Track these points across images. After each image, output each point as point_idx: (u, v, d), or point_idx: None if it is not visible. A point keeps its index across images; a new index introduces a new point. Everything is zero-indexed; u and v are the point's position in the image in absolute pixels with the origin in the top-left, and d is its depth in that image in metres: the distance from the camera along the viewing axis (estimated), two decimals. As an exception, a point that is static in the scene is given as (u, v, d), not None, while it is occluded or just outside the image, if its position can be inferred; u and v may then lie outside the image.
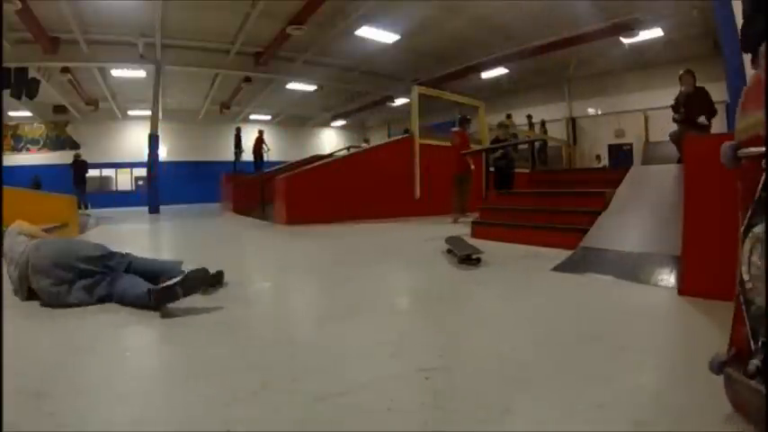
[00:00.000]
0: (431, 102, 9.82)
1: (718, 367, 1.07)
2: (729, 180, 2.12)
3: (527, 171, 7.60)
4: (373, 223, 7.00)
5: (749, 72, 1.97)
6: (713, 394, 1.22)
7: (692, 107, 5.27)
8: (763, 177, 0.97)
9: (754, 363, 0.95)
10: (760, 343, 0.95)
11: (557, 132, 14.22)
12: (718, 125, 5.53)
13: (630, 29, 10.04)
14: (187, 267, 2.38)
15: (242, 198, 11.52)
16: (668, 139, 5.69)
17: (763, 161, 0.97)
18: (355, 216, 7.37)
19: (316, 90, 15.53)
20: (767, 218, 0.95)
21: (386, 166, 8.07)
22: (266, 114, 20.17)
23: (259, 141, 13.92)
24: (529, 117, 12.85)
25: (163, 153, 15.47)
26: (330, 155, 11.63)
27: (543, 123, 14.06)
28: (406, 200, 8.08)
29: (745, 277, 0.99)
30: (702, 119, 5.13)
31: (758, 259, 0.95)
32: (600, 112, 14.24)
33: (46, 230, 4.62)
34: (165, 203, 13.10)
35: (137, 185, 18.39)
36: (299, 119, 20.70)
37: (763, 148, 0.97)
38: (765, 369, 0.93)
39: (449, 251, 3.54)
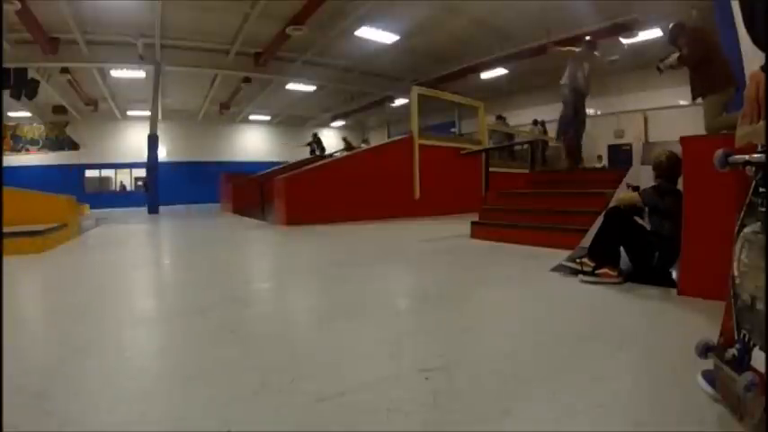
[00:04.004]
0: (430, 102, 9.82)
1: (702, 351, 1.18)
2: (728, 180, 2.12)
3: (526, 171, 7.61)
4: (373, 224, 7.00)
5: (748, 73, 1.96)
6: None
7: None
8: (753, 182, 1.04)
9: (731, 351, 1.05)
10: (742, 334, 1.03)
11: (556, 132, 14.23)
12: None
13: (630, 29, 10.04)
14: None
15: (241, 198, 11.52)
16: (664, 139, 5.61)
17: (748, 168, 1.04)
18: (355, 216, 7.37)
19: (315, 90, 15.54)
20: (765, 222, 0.98)
21: (385, 166, 8.07)
22: (266, 115, 20.18)
23: None
24: (501, 118, 12.89)
25: (162, 153, 15.48)
26: (330, 155, 11.65)
27: (543, 123, 14.06)
28: (406, 200, 8.09)
29: (735, 273, 1.07)
30: None
31: (746, 257, 1.03)
32: (599, 113, 14.25)
33: (44, 230, 4.63)
34: (164, 204, 13.11)
35: (136, 185, 18.43)
36: (298, 119, 20.70)
37: (747, 156, 1.04)
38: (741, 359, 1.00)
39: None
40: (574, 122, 6.02)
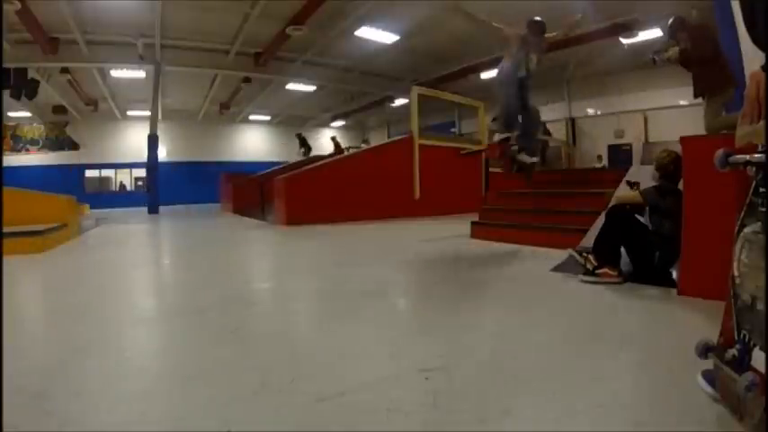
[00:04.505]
0: (430, 102, 9.81)
1: (702, 351, 1.17)
2: (728, 180, 2.12)
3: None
4: (373, 224, 7.00)
5: (748, 73, 1.96)
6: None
7: None
8: (753, 182, 1.04)
9: (732, 351, 1.05)
10: (742, 334, 1.03)
11: (556, 132, 14.23)
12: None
13: (630, 29, 10.04)
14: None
15: (241, 198, 11.53)
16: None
17: (749, 168, 1.03)
18: (355, 216, 7.37)
19: (315, 90, 15.54)
20: (765, 222, 0.98)
21: (385, 166, 8.07)
22: (266, 115, 20.17)
23: None
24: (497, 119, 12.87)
25: (162, 153, 15.47)
26: (330, 155, 11.66)
27: (544, 124, 14.05)
28: (406, 200, 8.08)
29: (735, 273, 1.06)
30: None
31: (746, 258, 1.02)
32: (599, 113, 14.25)
33: (44, 230, 4.63)
34: (164, 204, 13.10)
35: (136, 185, 18.43)
36: (298, 119, 20.69)
37: (747, 156, 1.03)
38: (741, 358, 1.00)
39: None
40: (521, 114, 4.94)
